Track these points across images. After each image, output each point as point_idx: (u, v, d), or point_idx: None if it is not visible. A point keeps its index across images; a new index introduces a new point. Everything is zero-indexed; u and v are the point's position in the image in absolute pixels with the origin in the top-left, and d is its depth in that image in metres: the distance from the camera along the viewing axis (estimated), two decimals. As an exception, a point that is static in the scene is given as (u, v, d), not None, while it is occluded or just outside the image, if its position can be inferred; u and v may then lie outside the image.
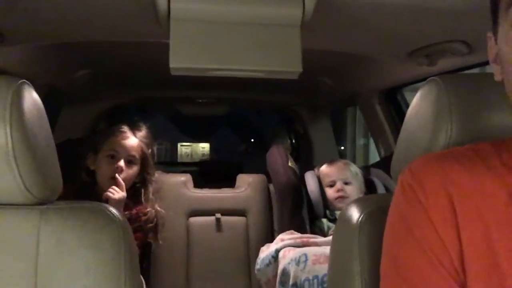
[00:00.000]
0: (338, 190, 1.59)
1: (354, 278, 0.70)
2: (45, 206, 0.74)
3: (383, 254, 0.63)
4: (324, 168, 1.70)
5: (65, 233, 0.72)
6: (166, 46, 0.87)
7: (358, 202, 0.79)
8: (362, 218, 0.74)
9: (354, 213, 0.76)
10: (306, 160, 2.58)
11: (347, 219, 0.76)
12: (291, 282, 1.25)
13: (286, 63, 0.86)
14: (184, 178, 1.98)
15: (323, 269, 1.19)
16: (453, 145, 0.68)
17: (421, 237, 0.56)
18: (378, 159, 2.02)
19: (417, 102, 0.77)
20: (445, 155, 0.63)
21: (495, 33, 0.57)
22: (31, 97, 0.73)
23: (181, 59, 0.84)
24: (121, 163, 1.40)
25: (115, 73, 1.90)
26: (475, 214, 0.55)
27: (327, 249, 1.25)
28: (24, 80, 0.73)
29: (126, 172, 1.41)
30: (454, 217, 0.56)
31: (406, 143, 0.78)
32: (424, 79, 1.56)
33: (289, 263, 1.28)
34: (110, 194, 1.33)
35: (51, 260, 0.70)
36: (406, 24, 1.08)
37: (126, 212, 1.38)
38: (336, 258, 0.79)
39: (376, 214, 0.73)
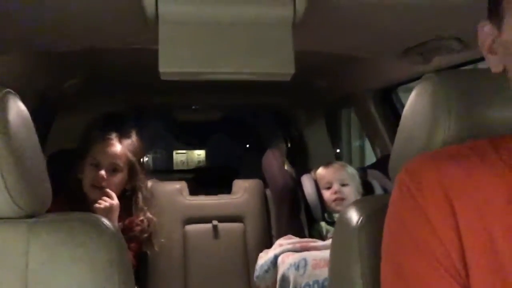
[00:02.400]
0: (335, 192, 1.57)
1: (355, 282, 0.68)
2: (33, 219, 0.71)
3: (383, 258, 0.61)
4: (320, 170, 1.69)
5: (55, 247, 0.69)
6: (157, 52, 0.85)
7: (356, 204, 0.77)
8: (361, 220, 0.72)
9: (353, 215, 0.74)
10: (302, 163, 2.56)
11: (346, 222, 0.74)
12: (291, 287, 1.23)
13: (278, 64, 0.84)
14: (179, 186, 1.95)
15: (323, 273, 1.17)
16: (451, 143, 0.67)
17: (420, 239, 0.55)
18: (374, 160, 2.01)
19: (413, 100, 0.75)
20: (442, 153, 0.62)
21: (493, 21, 0.55)
22: (17, 107, 0.71)
23: (171, 63, 0.82)
24: (102, 172, 1.37)
25: (107, 81, 1.88)
26: (475, 213, 0.54)
27: (327, 253, 1.23)
28: (9, 90, 0.70)
29: (109, 180, 1.38)
30: (453, 217, 0.54)
31: (403, 142, 0.77)
32: (418, 78, 1.56)
33: (288, 269, 1.26)
34: (96, 205, 1.31)
35: (41, 275, 0.68)
36: (399, 22, 1.07)
37: (119, 223, 1.35)
38: (336, 262, 0.77)
39: (376, 216, 0.71)
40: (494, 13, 0.55)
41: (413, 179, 0.58)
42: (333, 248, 0.79)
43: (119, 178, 1.41)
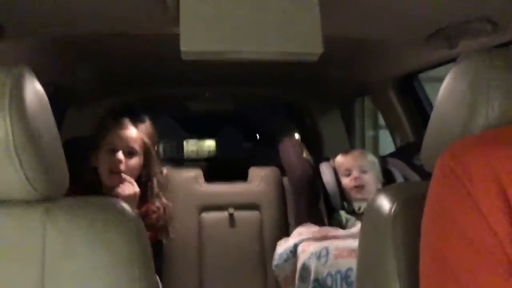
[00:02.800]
0: (355, 179, 1.53)
1: (390, 275, 0.64)
2: (50, 203, 0.68)
3: (423, 250, 0.57)
4: (339, 157, 1.65)
5: (73, 232, 0.66)
6: (174, 39, 0.81)
7: (388, 190, 0.73)
8: (395, 208, 0.67)
9: (385, 203, 0.69)
10: (316, 154, 2.52)
11: (377, 210, 0.70)
12: (312, 277, 1.19)
13: (305, 44, 0.80)
14: (195, 173, 1.92)
15: (346, 263, 1.14)
16: (493, 126, 0.62)
17: (469, 229, 0.50)
18: (387, 151, 1.96)
19: (451, 81, 0.71)
20: (490, 136, 0.57)
21: None
22: (33, 85, 0.68)
23: (193, 42, 0.78)
24: (120, 155, 1.34)
25: (121, 70, 1.85)
26: None
27: (349, 242, 1.19)
28: (26, 67, 0.68)
29: (126, 163, 1.35)
30: (508, 206, 0.49)
31: (438, 126, 0.72)
32: (441, 64, 1.51)
33: (309, 258, 1.22)
34: (119, 191, 1.28)
35: (59, 261, 0.65)
36: (426, 3, 1.02)
37: (136, 211, 1.33)
38: (366, 254, 0.73)
39: (411, 203, 0.67)
40: None
41: (460, 164, 0.53)
42: (363, 239, 0.75)
43: (136, 161, 1.38)
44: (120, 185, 1.29)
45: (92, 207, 0.69)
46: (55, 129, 0.72)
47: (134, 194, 1.29)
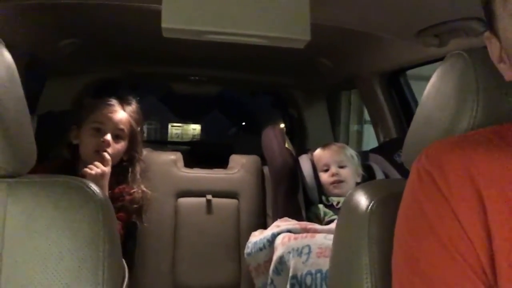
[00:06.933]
0: (333, 175, 1.52)
1: (362, 272, 0.63)
2: (14, 179, 0.65)
3: (396, 248, 0.56)
4: (317, 152, 1.63)
5: (35, 211, 0.63)
6: (159, 14, 0.78)
7: (366, 187, 0.72)
8: (372, 205, 0.66)
9: (363, 200, 0.68)
10: (300, 144, 2.51)
11: (354, 207, 0.69)
12: (290, 274, 1.15)
13: (293, 29, 0.77)
14: (174, 157, 1.88)
15: (328, 263, 1.10)
16: (478, 127, 0.61)
17: (442, 232, 0.50)
18: (371, 146, 1.95)
19: (438, 79, 0.69)
20: (467, 138, 0.56)
21: (493, 31, 0.53)
22: (1, 55, 0.64)
23: (175, 19, 0.75)
24: (108, 137, 1.30)
25: (104, 44, 1.79)
26: (507, 207, 0.48)
27: (332, 241, 1.16)
28: None
29: (113, 147, 1.31)
30: (482, 209, 0.49)
31: (422, 125, 0.70)
32: (430, 62, 1.50)
33: (289, 253, 1.19)
34: (87, 170, 1.24)
35: (18, 241, 0.63)
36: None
37: (108, 191, 1.29)
38: (340, 250, 0.71)
39: (389, 201, 0.66)
40: (490, 22, 0.54)
41: (436, 166, 0.53)
42: (338, 234, 0.73)
43: (121, 145, 1.35)
44: (90, 165, 1.25)
45: (58, 186, 0.67)
46: (23, 102, 0.68)
47: (102, 174, 1.25)
